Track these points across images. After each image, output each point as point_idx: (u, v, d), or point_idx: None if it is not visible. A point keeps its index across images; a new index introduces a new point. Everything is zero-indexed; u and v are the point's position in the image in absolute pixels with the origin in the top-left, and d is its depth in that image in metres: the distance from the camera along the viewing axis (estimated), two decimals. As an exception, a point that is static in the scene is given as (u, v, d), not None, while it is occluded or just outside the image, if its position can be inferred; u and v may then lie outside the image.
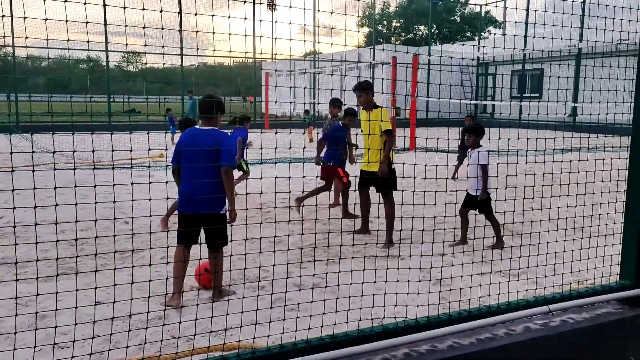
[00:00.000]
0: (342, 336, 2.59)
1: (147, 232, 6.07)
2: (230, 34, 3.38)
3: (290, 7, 3.53)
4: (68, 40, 2.89)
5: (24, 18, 2.85)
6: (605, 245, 4.23)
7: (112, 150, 2.90)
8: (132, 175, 3.75)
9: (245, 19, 3.41)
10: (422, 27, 56.84)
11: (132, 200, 2.93)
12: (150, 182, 3.12)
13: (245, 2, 3.48)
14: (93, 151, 2.77)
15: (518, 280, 5.00)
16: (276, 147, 3.57)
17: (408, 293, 3.68)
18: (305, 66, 31.93)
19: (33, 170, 3.10)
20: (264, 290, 4.74)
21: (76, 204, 2.79)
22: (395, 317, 3.20)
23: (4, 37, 22.67)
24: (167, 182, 3.47)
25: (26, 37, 3.01)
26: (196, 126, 4.90)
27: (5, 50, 29.80)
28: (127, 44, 3.32)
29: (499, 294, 3.97)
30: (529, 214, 6.97)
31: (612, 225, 4.60)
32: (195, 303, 4.26)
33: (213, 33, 3.50)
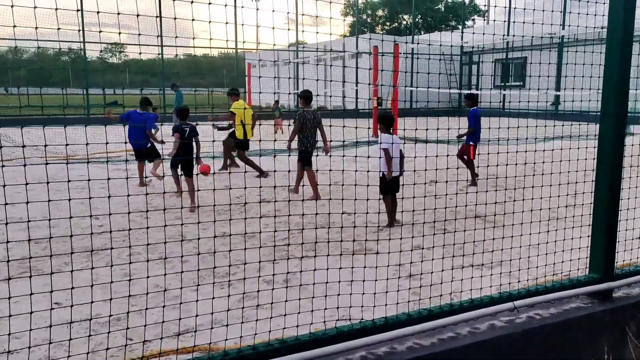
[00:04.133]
0: (292, 341, 2.48)
1: (117, 229, 5.93)
2: (210, 21, 3.29)
3: None
4: (56, 29, 2.80)
5: (12, 6, 2.75)
6: (580, 237, 4.16)
7: (87, 144, 2.76)
8: (107, 169, 3.59)
9: (225, 5, 3.29)
10: (406, 17, 56.67)
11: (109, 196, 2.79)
12: (127, 177, 3.03)
13: None
14: (67, 145, 2.63)
15: (492, 274, 4.92)
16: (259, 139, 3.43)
17: (375, 293, 3.57)
18: (289, 56, 31.67)
19: (2, 166, 2.94)
20: (232, 286, 4.62)
21: (49, 201, 2.65)
22: (360, 318, 3.10)
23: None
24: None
25: (14, 26, 2.92)
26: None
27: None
28: (99, 31, 3.17)
29: (471, 289, 3.88)
30: (509, 205, 6.92)
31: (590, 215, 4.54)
32: (161, 304, 4.13)
33: (192, 20, 3.39)
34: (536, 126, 4.89)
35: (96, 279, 4.71)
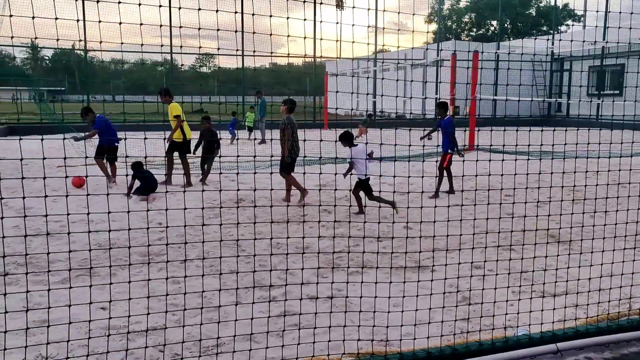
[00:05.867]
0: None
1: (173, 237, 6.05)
2: (288, 35, 3.38)
3: (354, 7, 3.44)
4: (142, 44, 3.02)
5: (99, 22, 2.98)
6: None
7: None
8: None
9: (304, 20, 3.34)
10: (494, 22, 54.82)
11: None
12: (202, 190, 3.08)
13: (318, 3, 3.49)
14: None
15: (554, 307, 4.51)
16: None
17: (415, 323, 3.36)
18: (368, 65, 31.55)
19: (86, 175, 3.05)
20: (274, 303, 4.54)
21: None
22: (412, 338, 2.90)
23: (81, 41, 23.92)
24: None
25: (100, 42, 3.12)
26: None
27: (92, 54, 31.47)
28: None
29: (530, 323, 3.56)
30: (588, 224, 6.38)
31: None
32: (201, 316, 4.13)
33: (270, 35, 3.45)
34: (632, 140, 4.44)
35: (144, 285, 4.81)
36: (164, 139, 10.11)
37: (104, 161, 10.17)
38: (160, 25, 3.29)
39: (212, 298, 4.48)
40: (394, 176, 3.65)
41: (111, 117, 12.11)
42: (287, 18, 3.45)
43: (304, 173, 3.78)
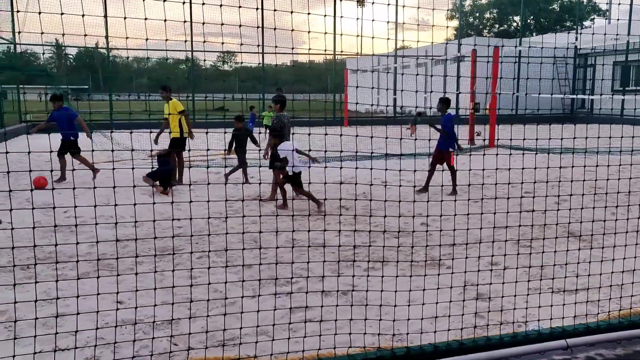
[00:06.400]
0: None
1: (195, 232, 6.14)
2: (309, 31, 3.43)
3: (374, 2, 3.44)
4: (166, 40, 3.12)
5: (124, 18, 3.06)
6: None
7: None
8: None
9: (325, 15, 3.38)
10: (516, 18, 54.09)
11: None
12: (208, 184, 3.17)
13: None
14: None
15: (576, 302, 4.47)
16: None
17: (436, 316, 3.36)
18: (388, 62, 31.41)
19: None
20: (285, 293, 4.57)
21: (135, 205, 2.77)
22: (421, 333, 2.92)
23: (106, 37, 24.23)
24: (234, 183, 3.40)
25: (127, 37, 3.20)
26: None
27: (115, 52, 31.88)
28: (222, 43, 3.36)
29: (551, 318, 3.53)
30: (610, 222, 6.29)
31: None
32: (215, 310, 4.19)
33: (292, 31, 3.49)
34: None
35: (162, 279, 4.90)
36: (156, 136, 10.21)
37: (65, 156, 10.19)
38: (184, 22, 3.33)
39: (225, 292, 4.53)
40: (415, 171, 3.65)
41: (136, 115, 12.12)
42: (308, 14, 3.47)
43: (325, 167, 3.77)
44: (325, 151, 3.54)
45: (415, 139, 3.88)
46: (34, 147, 3.20)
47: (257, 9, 3.44)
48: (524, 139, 4.00)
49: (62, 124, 10.21)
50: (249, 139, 10.58)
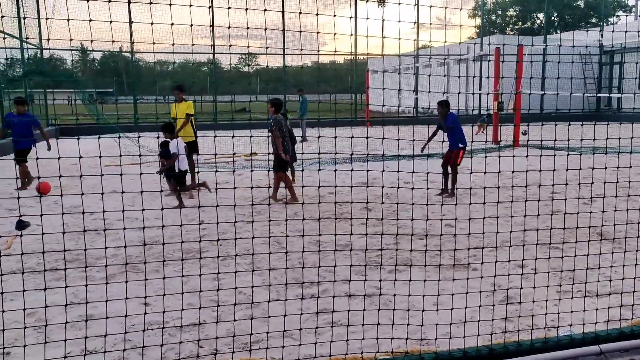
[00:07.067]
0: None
1: (219, 234, 6.16)
2: (335, 33, 3.45)
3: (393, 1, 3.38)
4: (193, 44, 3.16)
5: (151, 24, 3.08)
6: None
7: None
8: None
9: (350, 17, 3.39)
10: (540, 15, 53.30)
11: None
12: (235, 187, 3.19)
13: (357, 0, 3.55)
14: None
15: (609, 306, 4.36)
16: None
17: (466, 321, 3.32)
18: (410, 62, 31.24)
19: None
20: (311, 296, 4.56)
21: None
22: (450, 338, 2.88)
23: (132, 42, 24.59)
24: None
25: (153, 43, 3.25)
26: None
27: (139, 56, 32.38)
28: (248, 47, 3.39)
29: (584, 322, 3.45)
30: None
31: None
32: (241, 313, 4.19)
33: (317, 33, 3.51)
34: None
35: (187, 281, 4.92)
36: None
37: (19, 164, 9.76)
38: (210, 26, 3.38)
39: (251, 295, 4.54)
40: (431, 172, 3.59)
41: (162, 116, 12.04)
42: (334, 16, 3.47)
43: (352, 170, 3.73)
44: (352, 154, 3.51)
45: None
46: (63, 151, 3.24)
47: (282, 12, 3.44)
48: (541, 140, 3.93)
49: (20, 130, 9.70)
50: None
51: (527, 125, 6.60)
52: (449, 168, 9.08)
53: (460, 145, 8.89)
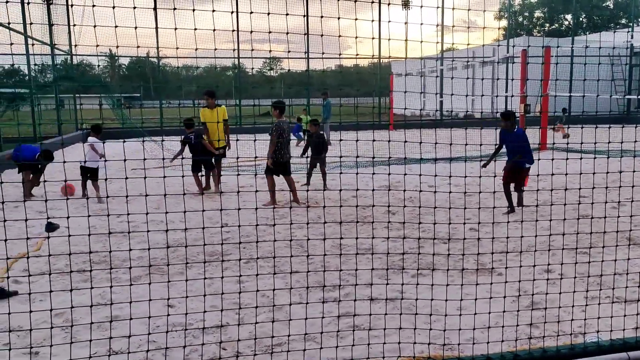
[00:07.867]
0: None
1: (242, 237, 6.20)
2: (356, 37, 3.47)
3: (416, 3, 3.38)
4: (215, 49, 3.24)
5: (175, 29, 3.16)
6: None
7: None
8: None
9: (372, 20, 3.41)
10: (568, 17, 52.45)
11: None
12: (257, 191, 3.22)
13: (384, 3, 3.55)
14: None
15: (638, 313, 4.26)
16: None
17: (487, 327, 3.27)
18: (434, 65, 31.03)
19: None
20: (333, 300, 4.55)
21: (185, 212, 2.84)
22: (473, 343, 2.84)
23: (157, 48, 24.93)
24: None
25: (177, 48, 3.33)
26: None
27: (165, 61, 32.86)
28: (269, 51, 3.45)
29: (611, 329, 3.38)
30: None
31: None
32: (263, 316, 4.21)
33: (339, 37, 3.53)
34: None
35: (210, 284, 4.95)
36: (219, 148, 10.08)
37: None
38: (233, 30, 3.43)
39: (274, 298, 4.55)
40: (463, 176, 3.57)
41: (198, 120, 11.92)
42: (356, 20, 3.48)
43: (373, 174, 3.66)
44: (373, 158, 3.50)
45: (568, 140, 3.70)
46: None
47: (303, 16, 3.46)
48: (568, 143, 3.86)
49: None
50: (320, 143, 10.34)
51: (567, 128, 6.49)
52: (512, 187, 8.20)
53: (527, 166, 7.99)
